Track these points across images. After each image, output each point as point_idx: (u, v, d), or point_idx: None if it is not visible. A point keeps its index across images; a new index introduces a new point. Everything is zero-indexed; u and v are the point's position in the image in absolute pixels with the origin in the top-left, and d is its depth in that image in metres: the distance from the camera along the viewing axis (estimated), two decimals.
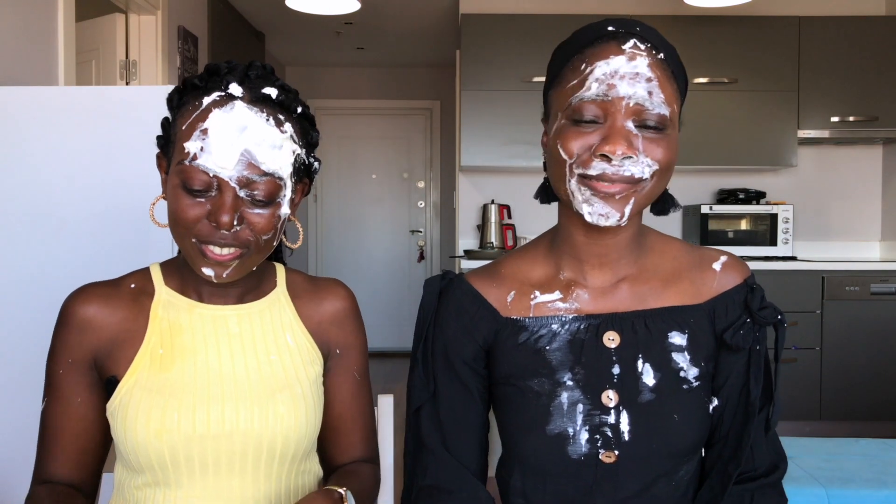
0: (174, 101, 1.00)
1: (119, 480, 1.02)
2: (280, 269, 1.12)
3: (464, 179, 4.42)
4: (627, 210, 0.86)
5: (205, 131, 0.93)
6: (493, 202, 4.18)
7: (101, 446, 1.03)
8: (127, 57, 3.38)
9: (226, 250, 0.95)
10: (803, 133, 3.99)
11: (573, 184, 0.87)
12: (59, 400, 1.00)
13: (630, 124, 0.85)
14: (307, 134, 1.03)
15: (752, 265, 3.71)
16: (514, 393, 0.95)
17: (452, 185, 5.43)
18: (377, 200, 6.40)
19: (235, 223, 0.93)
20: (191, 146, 0.93)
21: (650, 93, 0.85)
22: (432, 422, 0.99)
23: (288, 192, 0.98)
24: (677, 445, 0.91)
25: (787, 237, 4.01)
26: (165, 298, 1.03)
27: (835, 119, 3.97)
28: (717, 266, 0.97)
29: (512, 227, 4.27)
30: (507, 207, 4.27)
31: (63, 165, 1.91)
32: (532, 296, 0.96)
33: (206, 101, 0.95)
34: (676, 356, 0.93)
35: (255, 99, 0.96)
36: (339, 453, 1.10)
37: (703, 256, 0.99)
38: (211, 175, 0.92)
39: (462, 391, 0.98)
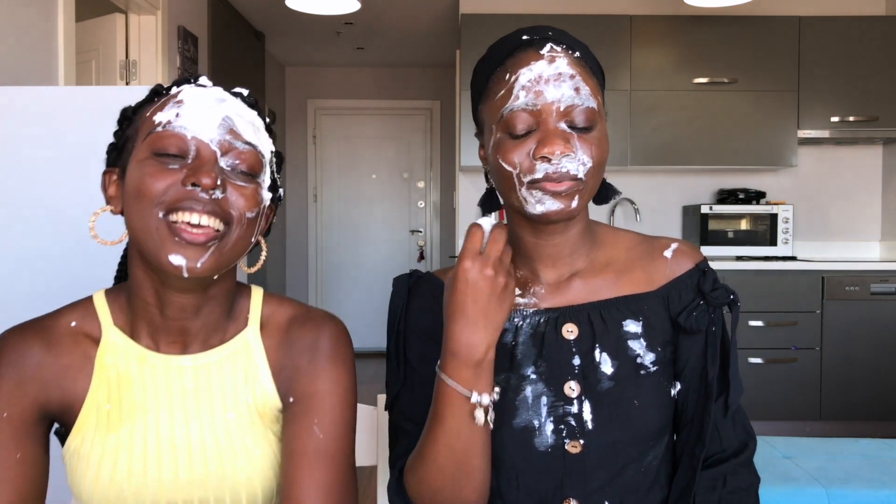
0: (130, 111, 0.90)
1: None
2: (256, 299, 0.95)
3: (464, 179, 4.42)
4: (575, 203, 0.90)
5: (179, 102, 0.84)
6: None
7: (40, 498, 0.89)
8: (127, 57, 3.38)
9: (205, 220, 0.80)
10: (803, 133, 3.99)
11: (524, 191, 0.90)
12: None
13: (563, 125, 0.88)
14: (275, 150, 0.94)
15: (752, 265, 3.71)
16: None
17: (452, 185, 5.43)
18: (377, 200, 6.40)
19: (218, 189, 0.80)
20: (162, 116, 0.83)
21: (577, 89, 0.89)
22: (412, 403, 0.97)
23: (267, 179, 0.88)
24: (640, 431, 0.93)
25: (787, 237, 4.01)
26: (113, 342, 0.88)
27: (835, 119, 3.97)
28: (667, 253, 1.00)
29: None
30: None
31: (63, 165, 1.91)
32: None
33: (176, 89, 0.87)
34: (632, 343, 0.95)
35: (228, 90, 0.90)
36: None
37: (654, 245, 1.01)
38: (189, 136, 0.82)
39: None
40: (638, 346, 0.95)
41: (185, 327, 0.89)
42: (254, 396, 0.91)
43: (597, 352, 0.94)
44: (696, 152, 4.02)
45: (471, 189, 4.40)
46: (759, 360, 3.66)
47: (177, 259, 0.79)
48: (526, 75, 0.89)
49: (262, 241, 0.93)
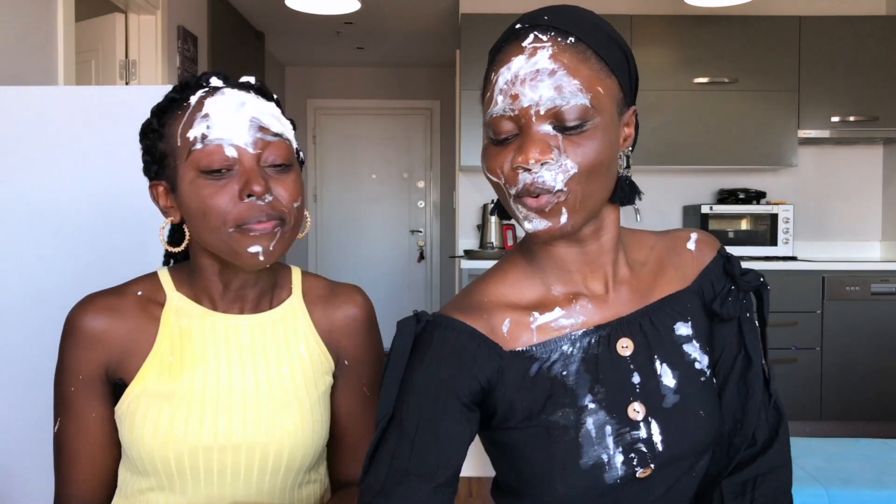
0: (154, 123, 0.97)
1: (123, 481, 1.01)
2: (296, 274, 1.09)
3: (464, 179, 4.42)
4: (563, 220, 0.80)
5: (205, 116, 0.91)
6: (493, 202, 4.17)
7: (117, 461, 1.01)
8: (127, 57, 3.37)
9: (268, 223, 0.92)
10: (803, 133, 3.99)
11: (512, 203, 0.83)
12: (73, 419, 0.97)
13: (546, 128, 0.79)
14: (289, 120, 1.03)
15: (753, 265, 3.70)
16: (539, 433, 0.84)
17: (452, 185, 5.43)
18: (377, 200, 6.40)
19: (268, 193, 0.90)
20: (195, 132, 0.91)
21: (558, 87, 0.77)
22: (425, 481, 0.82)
23: (298, 164, 0.98)
24: (705, 441, 0.87)
25: (788, 237, 4.01)
26: (177, 305, 1.00)
27: (835, 119, 3.96)
28: (691, 245, 0.95)
29: (512, 227, 4.27)
30: None
31: (63, 165, 1.91)
32: (531, 319, 0.87)
33: (194, 98, 0.93)
34: (687, 348, 0.89)
35: (240, 86, 0.96)
36: (343, 468, 1.08)
37: (674, 239, 0.96)
38: (227, 145, 0.90)
39: (459, 430, 0.84)
40: (693, 350, 0.89)
41: (243, 295, 1.01)
42: (308, 351, 1.02)
43: (657, 363, 0.86)
44: (696, 152, 4.02)
45: (471, 189, 4.40)
46: None
47: (254, 248, 0.91)
48: (504, 76, 0.80)
49: (306, 211, 1.04)
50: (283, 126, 0.96)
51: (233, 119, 0.91)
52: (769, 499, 0.87)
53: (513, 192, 0.81)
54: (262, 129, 0.92)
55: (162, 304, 1.00)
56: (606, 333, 0.86)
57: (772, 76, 3.98)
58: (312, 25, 4.97)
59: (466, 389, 0.83)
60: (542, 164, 0.78)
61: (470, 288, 0.92)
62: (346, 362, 1.06)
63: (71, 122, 1.91)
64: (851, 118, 3.96)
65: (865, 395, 3.69)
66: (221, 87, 0.95)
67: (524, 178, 0.79)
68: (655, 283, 0.91)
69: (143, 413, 0.94)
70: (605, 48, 0.81)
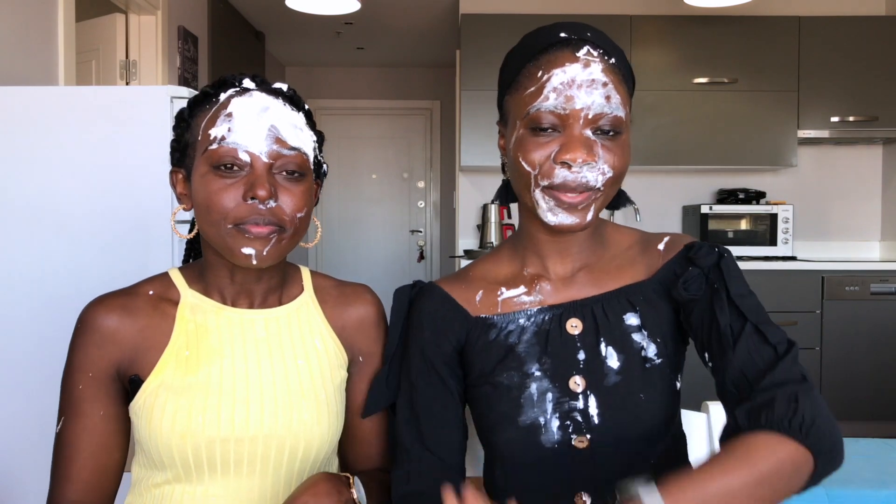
0: (186, 114, 1.01)
1: (137, 478, 1.02)
2: (306, 273, 1.12)
3: (464, 179, 4.42)
4: (589, 216, 0.92)
5: (229, 115, 0.95)
6: (493, 202, 4.17)
7: (119, 465, 1.01)
8: (127, 57, 3.38)
9: (264, 228, 0.95)
10: (803, 133, 3.99)
11: (538, 193, 0.92)
12: (78, 417, 0.98)
13: (588, 132, 0.89)
14: (315, 131, 1.05)
15: (752, 265, 3.71)
16: (488, 391, 0.98)
17: (452, 185, 5.43)
18: (377, 200, 6.41)
19: (271, 199, 0.93)
20: (216, 131, 0.95)
21: (608, 97, 0.89)
22: (410, 425, 1.00)
23: (312, 175, 1.01)
24: (645, 425, 0.93)
25: (787, 237, 4.01)
26: (192, 301, 1.02)
27: (835, 119, 3.97)
28: (661, 246, 1.02)
29: (512, 226, 4.27)
30: (507, 207, 4.27)
31: (63, 165, 1.91)
32: (499, 293, 1.02)
33: (224, 96, 0.98)
34: (636, 336, 0.96)
35: (269, 91, 1.00)
36: (357, 460, 1.11)
37: (651, 241, 1.03)
38: (241, 150, 0.93)
39: (441, 389, 1.01)
40: (641, 339, 0.96)
41: (251, 289, 1.04)
42: (323, 344, 1.06)
43: (602, 346, 0.95)
44: (696, 152, 4.02)
45: (471, 189, 4.40)
46: None
47: (247, 250, 0.94)
48: (559, 77, 0.89)
49: (316, 220, 1.07)
50: (301, 139, 0.98)
51: (253, 125, 0.94)
52: (771, 393, 0.83)
53: (544, 183, 0.90)
54: (279, 140, 0.95)
55: (175, 302, 1.02)
56: (559, 313, 0.98)
57: (771, 76, 3.98)
58: (312, 25, 4.98)
59: (445, 351, 1.00)
60: (585, 164, 0.88)
61: (469, 264, 1.09)
62: (360, 358, 1.09)
63: (71, 122, 1.91)
64: (851, 118, 3.96)
65: (865, 394, 3.70)
66: (252, 90, 0.98)
67: (563, 174, 0.89)
68: (619, 276, 1.00)
69: (160, 406, 0.96)
70: (630, 76, 0.95)
